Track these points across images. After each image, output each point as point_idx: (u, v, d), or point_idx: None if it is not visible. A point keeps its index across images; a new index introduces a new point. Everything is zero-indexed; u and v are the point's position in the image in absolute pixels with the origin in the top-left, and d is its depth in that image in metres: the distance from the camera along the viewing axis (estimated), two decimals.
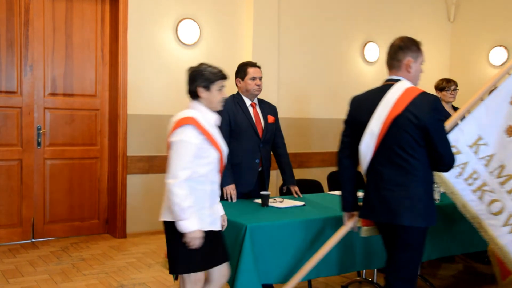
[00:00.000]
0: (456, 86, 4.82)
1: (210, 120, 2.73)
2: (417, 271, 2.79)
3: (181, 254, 2.62)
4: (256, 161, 3.84)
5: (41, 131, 5.12)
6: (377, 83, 7.01)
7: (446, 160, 2.61)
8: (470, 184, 3.15)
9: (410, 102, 2.57)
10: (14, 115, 5.00)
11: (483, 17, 6.95)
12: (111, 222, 5.44)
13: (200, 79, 2.67)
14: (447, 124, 3.10)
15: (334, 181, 4.72)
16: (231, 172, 3.71)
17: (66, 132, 5.27)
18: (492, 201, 3.11)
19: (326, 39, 6.34)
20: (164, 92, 5.46)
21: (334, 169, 5.23)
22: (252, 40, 5.73)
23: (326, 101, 6.37)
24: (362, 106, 2.77)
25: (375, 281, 3.96)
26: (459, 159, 3.08)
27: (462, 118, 3.28)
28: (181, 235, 2.56)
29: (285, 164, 4.01)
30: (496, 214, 3.09)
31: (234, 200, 3.66)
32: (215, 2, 5.68)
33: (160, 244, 5.08)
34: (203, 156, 2.63)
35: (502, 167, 3.11)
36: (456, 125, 3.23)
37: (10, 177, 5.01)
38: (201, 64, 2.75)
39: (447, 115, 3.00)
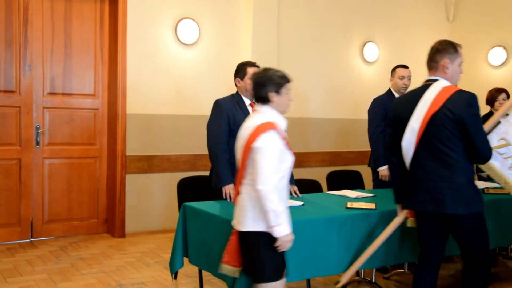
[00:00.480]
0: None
1: (282, 124, 2.76)
2: (483, 254, 2.94)
3: (270, 261, 2.64)
4: None
5: (40, 131, 5.12)
6: (376, 83, 7.06)
7: (482, 153, 2.81)
8: None
9: (447, 99, 2.79)
10: (13, 114, 5.00)
11: (482, 17, 6.95)
12: (110, 221, 5.44)
13: (270, 84, 2.71)
14: (491, 120, 3.22)
15: (333, 181, 4.72)
16: (230, 171, 3.71)
17: (65, 131, 5.27)
18: None
19: (325, 39, 6.35)
20: (164, 91, 5.46)
21: (333, 169, 5.24)
22: (252, 40, 5.73)
23: (325, 101, 6.37)
24: (403, 105, 2.99)
25: (373, 280, 3.97)
26: (510, 150, 3.19)
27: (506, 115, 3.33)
28: (269, 242, 2.59)
29: None
30: None
31: (233, 199, 3.66)
32: (215, 2, 5.67)
33: (159, 243, 5.08)
34: (283, 160, 2.67)
35: None
36: (498, 122, 3.27)
37: (8, 177, 5.00)
38: (267, 69, 2.79)
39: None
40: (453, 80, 2.94)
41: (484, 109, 3.03)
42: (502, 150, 3.23)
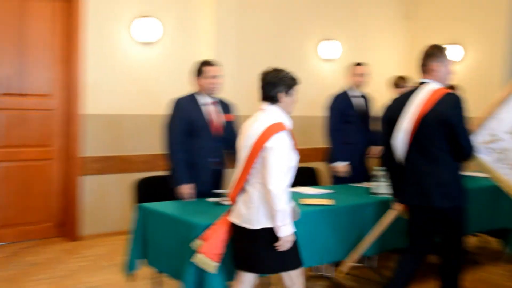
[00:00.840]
0: (408, 83, 4.89)
1: (289, 124, 2.79)
2: (461, 244, 3.22)
3: (274, 257, 2.72)
4: (212, 159, 3.80)
5: None
6: (335, 80, 7.10)
7: (466, 151, 3.05)
8: None
9: (437, 101, 3.01)
10: None
11: (439, 14, 7.07)
12: (64, 225, 5.27)
13: (282, 84, 2.77)
14: (479, 119, 3.39)
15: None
16: (187, 171, 3.66)
17: (20, 133, 5.06)
18: None
19: (284, 36, 6.34)
20: (124, 91, 5.34)
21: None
22: (213, 39, 5.67)
23: None
24: (396, 106, 3.20)
25: (331, 276, 3.98)
26: (499, 146, 3.36)
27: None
28: (274, 239, 2.66)
29: None
30: None
31: (190, 199, 3.61)
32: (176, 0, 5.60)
33: (116, 246, 4.95)
34: (290, 160, 2.71)
35: None
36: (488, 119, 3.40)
37: None
38: (278, 70, 2.83)
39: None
40: (443, 81, 3.16)
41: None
42: (491, 145, 3.39)
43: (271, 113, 2.76)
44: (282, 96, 2.77)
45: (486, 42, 6.50)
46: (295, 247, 2.78)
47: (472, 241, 4.96)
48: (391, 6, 7.33)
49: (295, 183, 4.42)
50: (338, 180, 4.61)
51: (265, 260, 2.72)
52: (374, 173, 3.87)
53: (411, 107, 3.09)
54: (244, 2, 5.96)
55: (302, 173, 4.86)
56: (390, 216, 3.49)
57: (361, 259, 4.27)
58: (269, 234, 2.67)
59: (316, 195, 3.80)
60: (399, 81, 4.88)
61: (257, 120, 2.75)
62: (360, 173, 4.64)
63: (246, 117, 5.93)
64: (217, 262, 2.75)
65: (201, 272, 2.81)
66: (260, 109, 2.83)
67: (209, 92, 3.79)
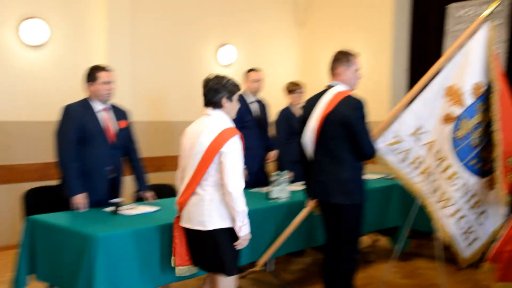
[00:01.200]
0: (302, 89, 5.09)
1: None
2: (356, 242, 3.39)
3: (233, 256, 2.89)
4: (108, 167, 3.72)
5: None
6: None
7: (365, 152, 3.23)
8: (416, 168, 3.60)
9: (338, 102, 3.20)
10: None
11: (329, 22, 7.42)
12: None
13: (224, 90, 2.89)
14: (384, 122, 3.61)
15: None
16: (80, 180, 3.55)
17: None
18: (433, 181, 3.57)
19: (182, 41, 6.34)
20: (10, 97, 5.07)
21: None
22: (105, 42, 5.53)
23: (184, 104, 6.36)
24: (308, 106, 3.41)
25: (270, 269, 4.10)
26: (401, 147, 3.58)
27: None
28: (232, 239, 2.83)
29: (138, 170, 3.94)
30: (434, 191, 3.57)
31: (84, 209, 3.51)
32: (65, 1, 5.38)
33: (3, 261, 4.66)
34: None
35: (439, 151, 3.54)
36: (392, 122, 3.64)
37: None
38: (221, 77, 2.95)
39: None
40: (350, 85, 3.36)
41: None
42: (395, 147, 3.61)
43: (219, 118, 2.89)
44: (225, 102, 2.90)
45: (375, 49, 6.90)
46: (236, 252, 2.93)
47: (363, 240, 5.22)
48: (284, 13, 7.58)
49: None
50: None
51: (225, 261, 2.84)
52: (272, 178, 3.98)
53: (318, 108, 3.29)
54: (138, 6, 5.87)
55: None
56: (304, 213, 3.67)
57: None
58: (223, 234, 2.82)
59: None
60: (292, 87, 5.05)
61: (206, 125, 2.86)
62: (259, 178, 4.74)
63: (142, 123, 5.93)
64: (191, 264, 2.97)
65: (93, 283, 2.76)
66: (204, 114, 2.95)
67: (101, 98, 3.70)
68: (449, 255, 4.86)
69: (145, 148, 5.20)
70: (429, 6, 6.94)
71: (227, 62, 6.74)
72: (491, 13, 3.44)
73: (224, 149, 2.77)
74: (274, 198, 3.90)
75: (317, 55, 7.55)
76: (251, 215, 3.53)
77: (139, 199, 3.90)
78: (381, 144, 3.59)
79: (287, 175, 4.02)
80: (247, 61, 6.72)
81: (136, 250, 2.98)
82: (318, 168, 3.35)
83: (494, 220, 3.61)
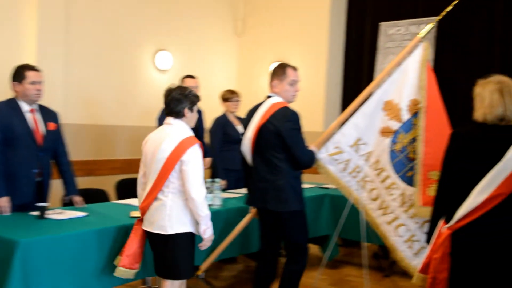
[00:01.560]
0: (239, 97, 5.14)
1: None
2: (303, 246, 3.48)
3: (188, 261, 3.01)
4: (34, 170, 3.59)
5: None
6: None
7: (301, 161, 3.34)
8: (354, 177, 3.72)
9: (272, 114, 3.31)
10: None
11: (266, 33, 7.53)
12: None
13: (187, 101, 3.02)
14: (327, 132, 3.72)
15: (123, 190, 4.65)
16: (2, 182, 3.41)
17: None
18: (372, 189, 3.70)
19: (118, 44, 6.21)
20: None
21: (124, 177, 5.16)
22: (36, 41, 5.33)
23: (118, 108, 6.23)
24: (248, 116, 3.50)
25: (201, 276, 4.06)
26: (342, 157, 3.70)
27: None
28: (189, 244, 2.99)
29: (67, 174, 3.83)
30: (374, 199, 3.70)
31: (7, 213, 3.36)
32: None
33: None
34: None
35: (377, 161, 3.66)
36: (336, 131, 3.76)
37: None
38: (184, 88, 3.09)
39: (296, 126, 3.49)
40: (286, 97, 3.43)
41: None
42: (336, 157, 3.70)
43: (179, 127, 3.01)
44: (186, 112, 3.03)
45: (311, 62, 7.05)
46: (192, 256, 3.06)
47: None
48: (223, 22, 7.61)
49: (132, 195, 4.38)
50: None
51: (181, 265, 2.96)
52: (206, 185, 3.96)
53: (255, 118, 3.40)
54: (73, 6, 5.71)
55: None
56: (246, 219, 3.78)
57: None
58: (182, 239, 2.94)
59: None
60: (228, 95, 5.09)
61: (167, 134, 2.97)
62: None
63: (74, 125, 5.77)
64: (137, 269, 3.03)
65: None
66: (166, 123, 3.06)
67: (29, 99, 3.58)
68: (377, 263, 5.09)
69: (77, 151, 5.06)
70: (363, 23, 7.21)
71: (164, 68, 6.68)
72: (428, 33, 3.62)
73: (185, 157, 2.90)
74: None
75: (255, 65, 7.64)
76: None
77: (67, 204, 3.78)
78: (323, 154, 3.70)
79: (220, 182, 4.03)
80: (184, 68, 6.69)
81: (62, 256, 2.89)
82: (257, 176, 3.43)
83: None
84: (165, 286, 3.00)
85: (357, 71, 7.27)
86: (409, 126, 3.59)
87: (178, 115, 3.03)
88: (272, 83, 3.47)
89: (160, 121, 4.72)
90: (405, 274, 4.80)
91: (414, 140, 3.56)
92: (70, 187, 3.80)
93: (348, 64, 7.33)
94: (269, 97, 3.47)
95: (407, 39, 6.78)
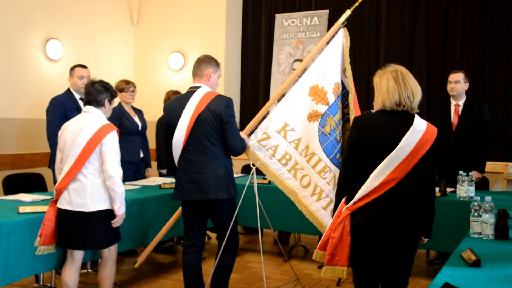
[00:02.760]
0: (135, 87, 5.02)
1: None
2: (234, 227, 3.53)
3: (110, 233, 3.32)
4: None
5: None
6: (60, 81, 6.83)
7: (233, 147, 3.42)
8: (284, 164, 3.73)
9: (210, 101, 3.36)
10: None
11: (163, 23, 7.43)
12: None
13: (107, 93, 3.38)
14: (254, 119, 3.75)
15: (11, 185, 4.39)
16: None
17: None
18: (303, 177, 3.70)
19: (3, 31, 5.80)
20: None
21: (11, 172, 4.85)
22: None
23: (5, 100, 5.83)
24: (173, 110, 3.44)
25: (53, 285, 3.84)
26: (270, 143, 3.71)
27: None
28: (108, 219, 3.26)
29: None
30: (306, 186, 3.70)
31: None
32: None
33: None
34: None
35: (307, 147, 3.67)
36: (260, 122, 3.77)
37: None
38: (105, 82, 3.43)
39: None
40: (213, 87, 3.52)
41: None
42: (264, 143, 3.70)
43: (98, 116, 3.32)
44: (106, 103, 3.37)
45: (209, 51, 6.78)
46: (113, 228, 3.34)
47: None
48: (118, 11, 7.39)
49: (21, 190, 4.15)
50: None
51: (102, 237, 3.27)
52: None
53: (187, 108, 3.37)
54: None
55: (28, 179, 4.59)
56: (176, 215, 3.92)
57: (85, 265, 4.24)
58: (103, 215, 3.24)
59: (34, 202, 3.60)
60: (123, 85, 4.94)
61: (86, 121, 3.26)
62: None
63: None
64: (55, 243, 3.26)
65: None
66: (84, 111, 3.37)
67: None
68: (277, 249, 5.23)
69: None
70: (259, 15, 7.34)
71: (55, 57, 6.34)
72: (345, 21, 3.70)
73: (105, 140, 3.21)
74: None
75: (152, 56, 7.51)
76: None
77: None
78: (252, 141, 3.72)
79: None
80: (77, 57, 6.39)
81: None
82: (193, 167, 3.39)
83: None
84: (104, 253, 3.37)
85: (255, 62, 7.40)
86: (335, 108, 3.67)
87: (98, 104, 3.35)
88: (205, 72, 3.48)
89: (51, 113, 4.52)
90: (304, 258, 5.08)
91: (339, 122, 3.66)
92: None
93: (246, 55, 7.43)
94: (195, 87, 3.46)
95: (302, 30, 7.01)
